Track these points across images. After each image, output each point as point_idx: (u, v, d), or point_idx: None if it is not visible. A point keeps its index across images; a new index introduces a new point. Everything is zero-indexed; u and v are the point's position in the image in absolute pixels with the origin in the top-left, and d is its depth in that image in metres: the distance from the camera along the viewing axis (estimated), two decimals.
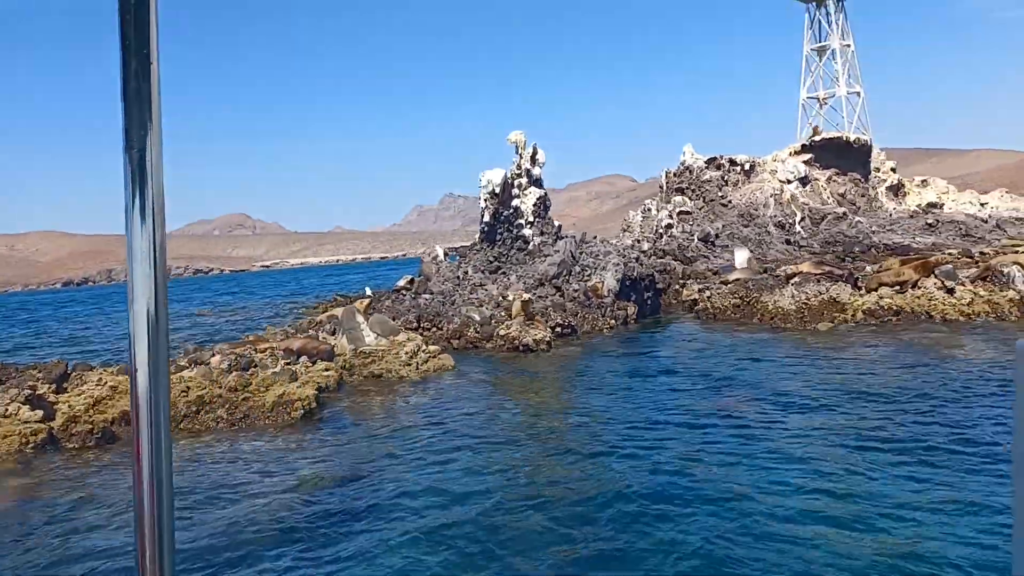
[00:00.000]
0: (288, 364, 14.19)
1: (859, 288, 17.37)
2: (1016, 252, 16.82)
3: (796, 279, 18.32)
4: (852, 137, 44.62)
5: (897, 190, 47.14)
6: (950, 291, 15.77)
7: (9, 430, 10.84)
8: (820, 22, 50.37)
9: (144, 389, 1.05)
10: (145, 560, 1.05)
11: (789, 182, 41.89)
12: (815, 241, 38.08)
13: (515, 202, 22.47)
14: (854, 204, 42.92)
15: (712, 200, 40.74)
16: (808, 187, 42.44)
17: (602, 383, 13.81)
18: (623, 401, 12.18)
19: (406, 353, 15.14)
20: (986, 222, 41.07)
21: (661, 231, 36.38)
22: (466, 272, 22.73)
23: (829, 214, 40.21)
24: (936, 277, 16.15)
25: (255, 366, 14.10)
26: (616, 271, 21.06)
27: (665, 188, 42.88)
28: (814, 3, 50.41)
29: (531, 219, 22.56)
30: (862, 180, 44.68)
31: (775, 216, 39.85)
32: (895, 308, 15.63)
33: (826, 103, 51.20)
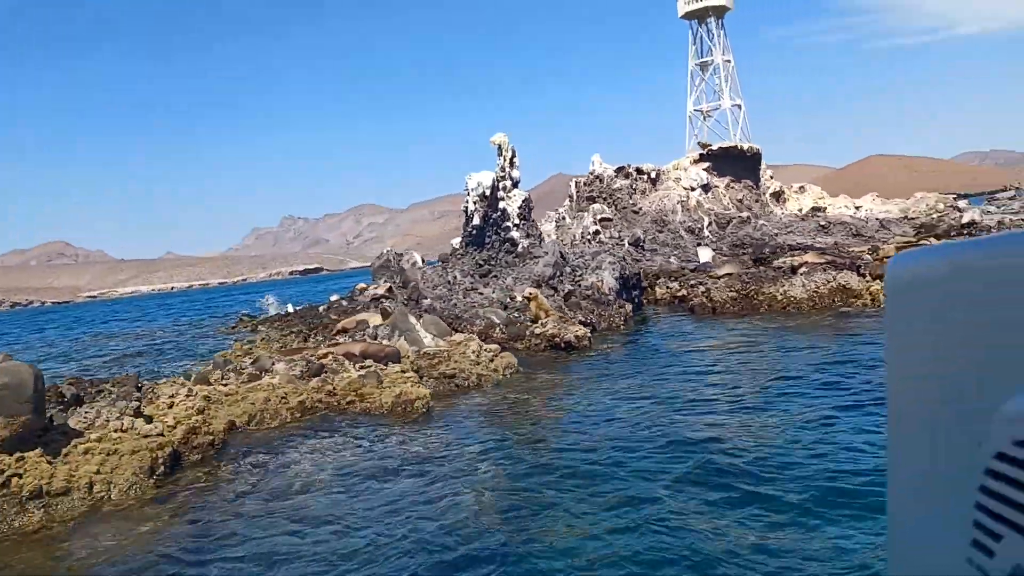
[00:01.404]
0: (364, 367, 13.53)
1: (863, 275, 18.56)
2: None
3: (803, 269, 19.33)
4: (745, 146, 47.38)
5: (779, 196, 50.44)
6: None
7: (136, 445, 9.74)
8: (703, 38, 53.19)
9: None
10: None
11: (693, 189, 43.92)
12: (724, 244, 40.05)
13: (502, 204, 22.39)
14: (750, 209, 45.50)
15: (624, 208, 42.04)
16: (710, 193, 44.65)
17: (683, 373, 14.04)
18: (720, 389, 12.47)
19: (472, 352, 14.78)
20: (868, 223, 44.65)
21: (588, 237, 37.18)
22: (455, 277, 22.38)
23: (734, 218, 42.46)
24: None
25: (325, 371, 13.39)
26: (613, 270, 21.39)
27: (575, 197, 43.88)
28: (696, 20, 53.18)
29: (517, 222, 22.55)
30: (754, 186, 47.51)
31: (684, 222, 41.64)
32: None
33: (710, 115, 54.09)
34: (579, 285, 21.33)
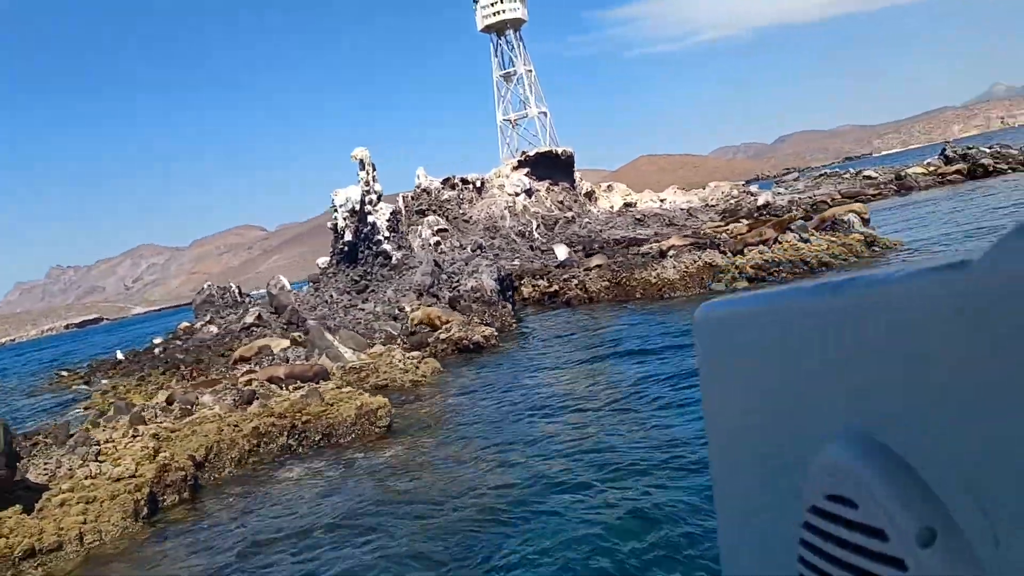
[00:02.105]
0: (297, 388, 13.20)
1: (724, 252, 20.26)
2: (849, 204, 20.94)
3: (672, 251, 20.76)
4: (559, 150, 49.51)
5: (591, 195, 53.12)
6: (806, 241, 19.22)
7: (113, 490, 9.04)
8: (504, 51, 55.06)
9: None
10: None
11: (518, 194, 45.40)
12: (554, 244, 41.74)
13: (371, 218, 22.33)
14: (571, 209, 47.65)
15: (456, 218, 42.75)
16: (533, 197, 46.32)
17: (598, 358, 14.85)
18: (646, 366, 13.42)
19: (399, 361, 14.79)
20: (676, 213, 48.12)
21: (429, 248, 37.45)
22: (331, 295, 22.05)
23: (559, 219, 44.34)
24: (793, 231, 19.52)
25: (257, 397, 12.96)
26: (492, 272, 21.93)
27: (404, 211, 44.06)
28: (495, 33, 54.96)
29: (387, 234, 22.58)
30: (571, 188, 49.77)
31: (514, 226, 42.94)
32: (776, 261, 18.69)
33: (518, 124, 56.02)
34: (457, 290, 21.67)
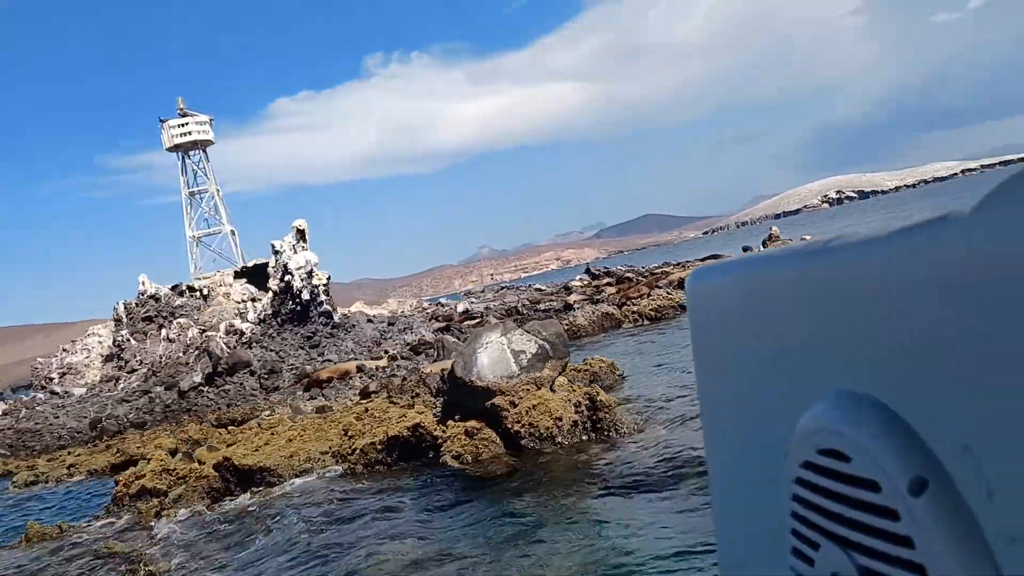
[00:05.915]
0: None
1: (611, 305, 26.48)
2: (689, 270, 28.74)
3: (576, 305, 26.26)
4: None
5: None
6: (670, 295, 26.47)
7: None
8: (192, 169, 55.76)
9: None
10: None
11: (245, 301, 46.21)
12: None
13: (314, 281, 24.51)
14: None
15: (196, 321, 42.29)
16: (259, 305, 47.44)
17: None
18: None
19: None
20: (398, 319, 52.90)
21: (190, 345, 37.03)
22: (284, 351, 23.49)
23: None
24: (660, 288, 26.56)
25: None
26: (427, 328, 25.37)
27: (126, 319, 42.29)
28: (183, 152, 55.58)
29: (324, 297, 24.87)
30: None
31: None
32: (664, 306, 25.56)
33: (201, 241, 56.22)
34: (396, 344, 24.63)
